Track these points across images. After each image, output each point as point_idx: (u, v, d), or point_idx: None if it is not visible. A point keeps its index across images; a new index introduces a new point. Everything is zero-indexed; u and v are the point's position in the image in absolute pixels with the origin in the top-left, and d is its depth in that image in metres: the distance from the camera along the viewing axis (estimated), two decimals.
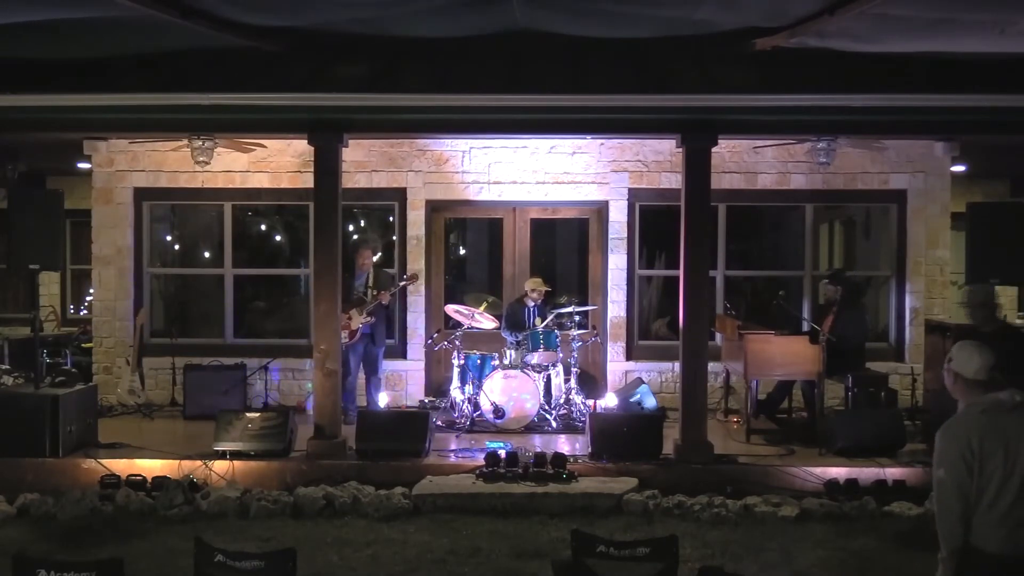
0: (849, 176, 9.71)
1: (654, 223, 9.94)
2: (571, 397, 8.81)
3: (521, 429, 8.33)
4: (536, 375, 8.49)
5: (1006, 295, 12.00)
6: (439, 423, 8.38)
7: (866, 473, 7.09)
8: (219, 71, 7.73)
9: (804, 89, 7.35)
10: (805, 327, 8.49)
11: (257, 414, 7.64)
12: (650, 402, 8.99)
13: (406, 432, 7.49)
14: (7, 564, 3.83)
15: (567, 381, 8.88)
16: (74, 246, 12.44)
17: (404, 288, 9.36)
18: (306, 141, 7.70)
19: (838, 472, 7.10)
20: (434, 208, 9.96)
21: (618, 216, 9.78)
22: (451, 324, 9.38)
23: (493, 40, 7.47)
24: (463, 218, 10.70)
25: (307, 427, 7.74)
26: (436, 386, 9.83)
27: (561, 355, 8.79)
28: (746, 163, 9.70)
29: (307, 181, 8.32)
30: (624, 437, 7.42)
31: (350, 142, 7.84)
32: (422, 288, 9.76)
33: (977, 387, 3.63)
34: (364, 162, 9.73)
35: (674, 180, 8.99)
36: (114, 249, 9.88)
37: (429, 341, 9.45)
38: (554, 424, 8.53)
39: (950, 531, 3.54)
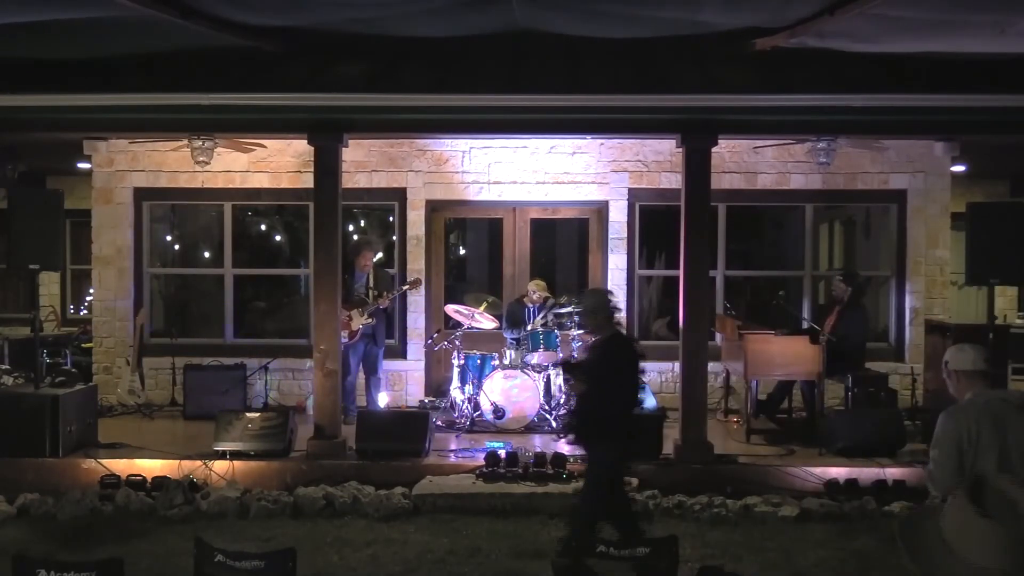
0: (849, 176, 9.70)
1: (654, 223, 9.94)
2: (571, 397, 8.80)
3: (521, 429, 8.33)
4: (536, 375, 8.49)
5: (1006, 295, 12.02)
6: (439, 423, 8.38)
7: (866, 473, 7.09)
8: (219, 71, 7.72)
9: (804, 89, 7.35)
10: (805, 327, 8.49)
11: (257, 414, 7.64)
12: (650, 402, 8.98)
13: (406, 432, 7.49)
14: (7, 564, 3.83)
15: (567, 381, 8.87)
16: (74, 246, 12.43)
17: (404, 292, 9.36)
18: (306, 141, 7.71)
19: (838, 472, 7.10)
20: (434, 208, 9.95)
21: (618, 216, 9.78)
22: (451, 324, 9.38)
23: (493, 40, 7.47)
24: (463, 218, 10.70)
25: (307, 427, 7.75)
26: (436, 386, 9.82)
27: (561, 355, 8.78)
28: (746, 163, 9.70)
29: (307, 181, 8.32)
30: None
31: (350, 142, 7.84)
32: (422, 288, 9.76)
33: (978, 378, 3.65)
34: (364, 162, 9.72)
35: (674, 180, 8.99)
36: (114, 249, 9.88)
37: (429, 341, 9.45)
38: (554, 424, 8.53)
39: (942, 487, 3.68)
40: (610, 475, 5.31)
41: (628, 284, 9.83)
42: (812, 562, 5.78)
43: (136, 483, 6.97)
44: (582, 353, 5.39)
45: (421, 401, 9.55)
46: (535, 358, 8.62)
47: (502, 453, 7.21)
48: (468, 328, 8.92)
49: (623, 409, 5.33)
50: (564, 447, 7.49)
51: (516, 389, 8.37)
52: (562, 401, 8.79)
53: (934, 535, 1.93)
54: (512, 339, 8.93)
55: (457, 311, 8.94)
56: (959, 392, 3.73)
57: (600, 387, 5.24)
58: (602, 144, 9.68)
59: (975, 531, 1.84)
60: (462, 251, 11.55)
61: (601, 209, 9.90)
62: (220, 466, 7.19)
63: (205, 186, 9.82)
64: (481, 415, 8.46)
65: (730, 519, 6.53)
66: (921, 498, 6.70)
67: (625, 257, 9.80)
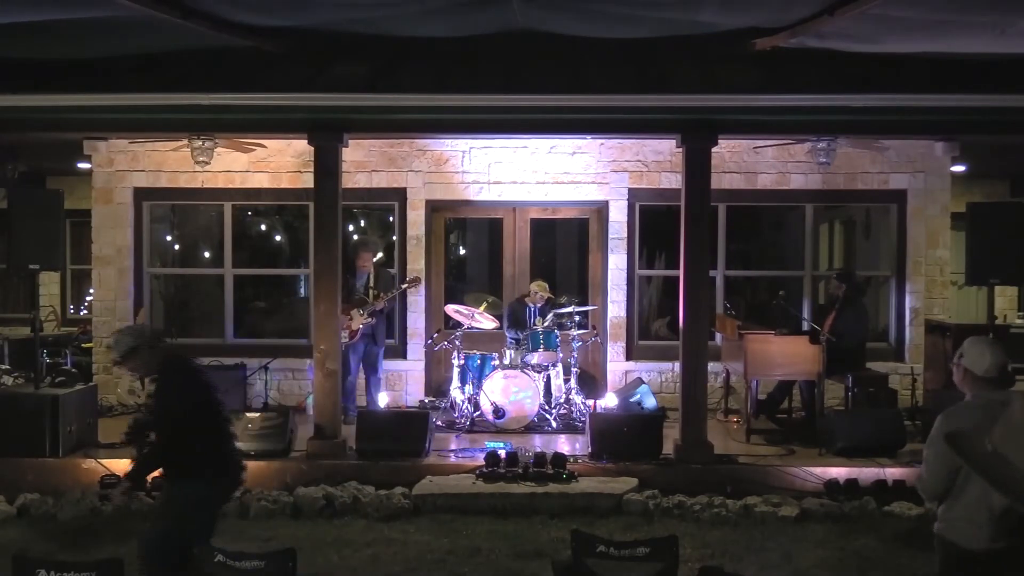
0: (849, 176, 9.70)
1: (654, 223, 9.94)
2: (571, 397, 8.81)
3: (521, 429, 8.33)
4: (536, 375, 8.49)
5: (1006, 295, 12.03)
6: (439, 423, 8.38)
7: (866, 473, 7.09)
8: (219, 71, 7.73)
9: (804, 89, 7.35)
10: (805, 327, 8.49)
11: (257, 414, 7.65)
12: (650, 402, 8.99)
13: (406, 432, 7.49)
14: (7, 564, 3.83)
15: (567, 381, 8.88)
16: (74, 246, 12.43)
17: (404, 291, 9.36)
18: (306, 141, 7.70)
19: (838, 472, 7.10)
20: (434, 208, 9.95)
21: (618, 216, 9.78)
22: (451, 324, 9.38)
23: (493, 40, 7.47)
24: (463, 218, 10.70)
25: (307, 427, 7.74)
26: (436, 386, 9.82)
27: (561, 355, 8.79)
28: (746, 163, 9.70)
29: (307, 181, 8.32)
30: (624, 437, 7.43)
31: (350, 142, 7.84)
32: (422, 288, 9.76)
33: (987, 384, 3.64)
34: (364, 162, 9.72)
35: (674, 180, 8.99)
36: (114, 249, 9.87)
37: (429, 341, 9.45)
38: (554, 424, 8.53)
39: (932, 496, 3.67)
40: (194, 519, 4.44)
41: (628, 284, 9.84)
42: (812, 562, 5.78)
43: None
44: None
45: (421, 401, 9.55)
46: (535, 358, 8.62)
47: (502, 453, 7.21)
48: (468, 328, 8.92)
49: (207, 441, 4.48)
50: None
51: (516, 389, 8.37)
52: (562, 401, 8.81)
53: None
54: (513, 339, 8.94)
55: (457, 311, 8.94)
56: (962, 387, 3.73)
57: (173, 426, 4.42)
58: (602, 144, 9.68)
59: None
60: (462, 251, 11.55)
61: (601, 209, 9.90)
62: None
63: (205, 186, 9.82)
64: (481, 415, 8.46)
65: (730, 519, 6.53)
66: (921, 499, 6.70)
67: (625, 257, 9.80)
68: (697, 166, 7.47)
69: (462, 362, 8.73)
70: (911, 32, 6.62)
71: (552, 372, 8.76)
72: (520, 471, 6.99)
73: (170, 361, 4.57)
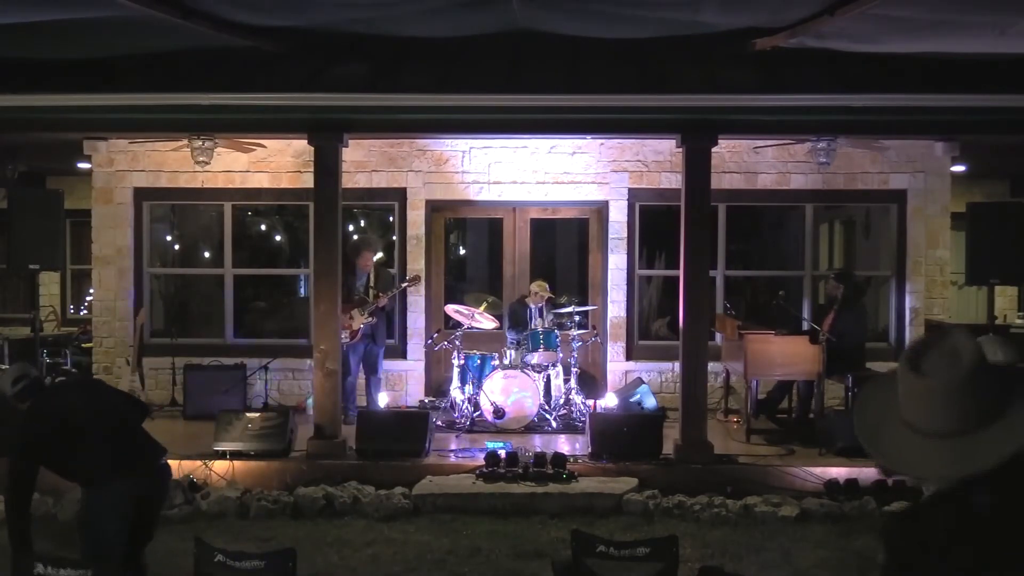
0: (849, 176, 9.70)
1: (654, 223, 9.94)
2: (571, 397, 8.81)
3: (521, 429, 8.33)
4: (536, 375, 8.49)
5: (1006, 295, 12.03)
6: (439, 423, 8.38)
7: (866, 473, 7.08)
8: (219, 71, 7.72)
9: (804, 89, 7.35)
10: (805, 327, 8.49)
11: (257, 414, 7.64)
12: (650, 402, 8.99)
13: (406, 432, 7.49)
14: (7, 564, 3.83)
15: (567, 381, 8.88)
16: (74, 246, 12.44)
17: (405, 289, 9.36)
18: (306, 141, 7.71)
19: (838, 472, 7.10)
20: (434, 208, 9.95)
21: (618, 216, 9.78)
22: (451, 324, 9.38)
23: (493, 40, 7.47)
24: (463, 218, 10.70)
25: (307, 427, 7.74)
26: (436, 386, 9.82)
27: (561, 355, 8.79)
28: (746, 163, 9.70)
29: (307, 181, 8.32)
30: (624, 437, 7.43)
31: (350, 142, 7.84)
32: (422, 288, 9.76)
33: None
34: (364, 162, 9.72)
35: (674, 180, 8.99)
36: (114, 249, 9.87)
37: (429, 341, 9.45)
38: (554, 424, 8.53)
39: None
40: (108, 520, 4.39)
41: (628, 284, 9.83)
42: (812, 562, 5.78)
43: None
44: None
45: (421, 401, 9.55)
46: (535, 358, 8.62)
47: (502, 453, 7.21)
48: (468, 328, 8.92)
49: (94, 452, 4.38)
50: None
51: (516, 389, 8.37)
52: (562, 401, 8.81)
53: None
54: (514, 339, 8.94)
55: (457, 311, 8.94)
56: None
57: (23, 457, 4.32)
58: (602, 144, 9.68)
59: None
60: (462, 251, 11.56)
61: (601, 209, 9.90)
62: (220, 466, 7.19)
63: (205, 186, 9.82)
64: (481, 415, 8.46)
65: (730, 519, 6.53)
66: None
67: (625, 257, 9.80)
68: (697, 166, 7.47)
69: (462, 362, 8.73)
70: (911, 32, 6.62)
71: (552, 372, 8.76)
72: (520, 471, 6.99)
73: (41, 398, 4.51)
